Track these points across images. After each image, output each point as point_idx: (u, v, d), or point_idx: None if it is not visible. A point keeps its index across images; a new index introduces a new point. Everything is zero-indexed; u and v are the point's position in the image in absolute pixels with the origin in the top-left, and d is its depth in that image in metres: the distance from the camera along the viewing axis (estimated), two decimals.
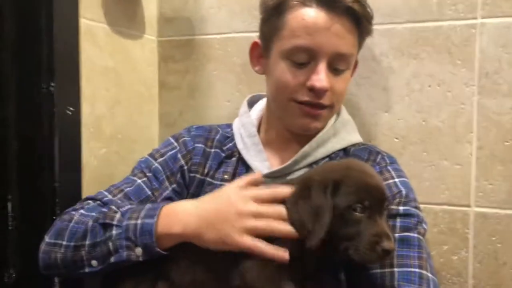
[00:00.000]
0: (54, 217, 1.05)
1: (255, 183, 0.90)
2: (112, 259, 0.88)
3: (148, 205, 0.92)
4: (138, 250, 0.87)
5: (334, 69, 1.00)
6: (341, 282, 0.97)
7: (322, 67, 0.98)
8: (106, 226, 0.89)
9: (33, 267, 0.96)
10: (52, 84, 1.06)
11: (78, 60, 1.14)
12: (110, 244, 0.88)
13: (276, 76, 1.02)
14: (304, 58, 0.98)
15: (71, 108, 1.10)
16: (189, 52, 1.43)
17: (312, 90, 0.98)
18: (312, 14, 0.97)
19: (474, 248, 1.17)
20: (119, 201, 1.00)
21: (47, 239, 0.94)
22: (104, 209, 0.94)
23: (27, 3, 1.07)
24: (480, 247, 1.17)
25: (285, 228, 0.83)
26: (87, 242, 0.90)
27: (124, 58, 1.32)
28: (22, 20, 1.07)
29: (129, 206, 0.93)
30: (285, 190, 0.86)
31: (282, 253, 0.81)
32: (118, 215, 0.90)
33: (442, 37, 1.18)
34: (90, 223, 0.91)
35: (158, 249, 0.87)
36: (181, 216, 0.88)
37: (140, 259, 0.88)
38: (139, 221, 0.88)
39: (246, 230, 0.83)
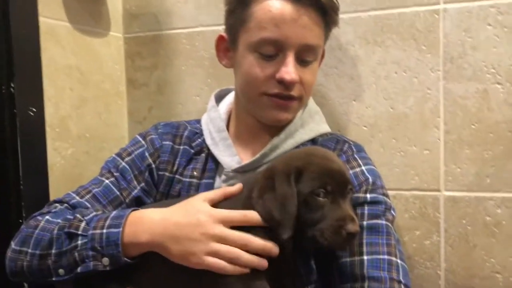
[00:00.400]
0: (20, 221, 1.03)
1: (230, 197, 0.88)
2: (79, 269, 0.87)
3: (114, 213, 0.90)
4: (105, 260, 0.86)
5: (302, 61, 1.00)
6: (313, 272, 0.97)
7: (290, 59, 0.97)
8: (72, 236, 0.88)
9: (1, 271, 0.94)
10: (12, 85, 1.03)
11: (40, 59, 1.11)
12: (76, 254, 0.87)
13: (244, 69, 1.01)
14: (271, 51, 0.98)
15: (33, 109, 1.07)
16: (156, 48, 1.42)
17: (281, 82, 0.98)
18: (279, 6, 0.96)
19: (445, 232, 1.18)
20: (87, 203, 0.98)
21: (13, 245, 0.92)
22: (69, 216, 0.91)
23: None
24: (451, 230, 1.18)
25: (248, 257, 0.82)
26: (53, 251, 0.88)
27: (89, 56, 1.31)
28: None
29: (94, 214, 0.91)
30: (256, 216, 0.84)
31: (241, 269, 0.82)
32: (83, 224, 0.88)
33: (406, 23, 1.18)
34: (55, 231, 0.89)
35: (125, 259, 0.86)
36: (147, 226, 0.86)
37: (108, 268, 0.86)
38: (104, 231, 0.86)
39: (209, 253, 0.82)
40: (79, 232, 0.87)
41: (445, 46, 1.16)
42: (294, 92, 1.00)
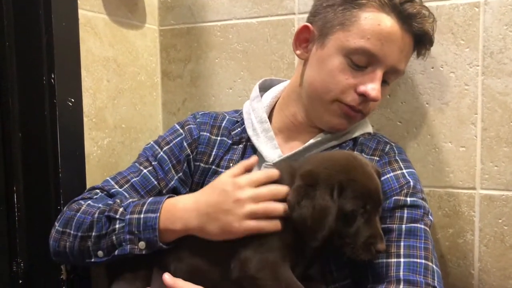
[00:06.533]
0: (59, 207, 1.07)
1: (250, 168, 0.91)
2: (116, 252, 0.90)
3: (150, 199, 0.93)
4: (141, 244, 0.89)
5: (384, 81, 1.00)
6: (345, 268, 0.97)
7: (379, 77, 0.97)
8: (110, 219, 0.91)
9: (40, 256, 0.98)
10: (53, 76, 1.06)
11: (79, 52, 1.14)
12: (114, 237, 0.90)
13: (328, 69, 0.99)
14: (364, 62, 0.97)
15: (72, 99, 1.10)
16: (191, 40, 1.43)
17: (362, 95, 0.98)
18: (389, 24, 0.96)
19: (480, 231, 1.16)
20: (125, 193, 1.01)
21: (57, 226, 0.96)
22: (110, 201, 0.95)
23: None
24: (486, 229, 1.15)
25: (282, 207, 0.85)
26: (93, 233, 0.91)
27: (125, 48, 1.33)
28: (21, 13, 1.08)
29: (130, 200, 0.94)
30: (277, 172, 0.88)
31: (278, 225, 0.85)
32: (121, 209, 0.91)
33: (444, 17, 1.15)
34: (96, 214, 0.93)
35: (161, 244, 0.88)
36: (182, 213, 0.89)
37: (143, 252, 0.89)
38: (142, 216, 0.89)
39: (246, 216, 0.85)
40: (117, 216, 0.90)
41: (484, 41, 1.13)
42: (366, 109, 1.01)
